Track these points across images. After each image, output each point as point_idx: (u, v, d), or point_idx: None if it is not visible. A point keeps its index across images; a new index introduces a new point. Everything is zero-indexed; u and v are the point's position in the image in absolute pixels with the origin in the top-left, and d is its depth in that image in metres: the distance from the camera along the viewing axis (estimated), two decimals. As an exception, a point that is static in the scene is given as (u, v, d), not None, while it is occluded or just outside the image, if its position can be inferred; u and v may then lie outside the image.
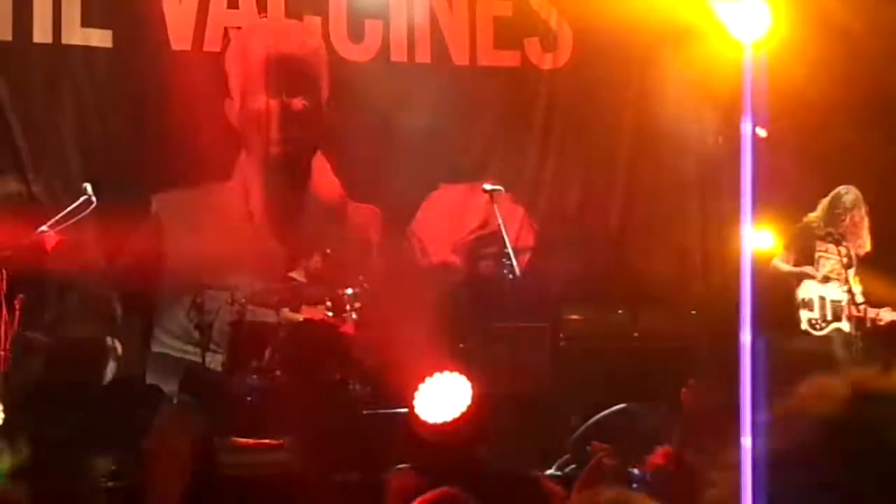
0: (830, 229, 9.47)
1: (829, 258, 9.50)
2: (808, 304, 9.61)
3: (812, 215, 9.68)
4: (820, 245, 9.51)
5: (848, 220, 9.53)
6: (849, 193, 9.61)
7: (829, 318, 9.50)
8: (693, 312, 11.18)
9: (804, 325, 9.53)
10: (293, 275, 10.68)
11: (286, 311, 10.22)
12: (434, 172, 11.75)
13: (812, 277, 9.52)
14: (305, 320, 10.13)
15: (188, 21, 11.38)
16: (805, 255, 9.55)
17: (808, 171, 11.01)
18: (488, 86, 12.15)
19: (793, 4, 10.20)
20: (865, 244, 9.59)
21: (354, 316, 10.17)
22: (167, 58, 11.17)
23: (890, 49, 10.61)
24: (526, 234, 12.07)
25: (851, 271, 9.41)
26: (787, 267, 9.56)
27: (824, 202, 9.65)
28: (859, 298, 9.34)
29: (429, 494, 4.68)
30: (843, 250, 9.39)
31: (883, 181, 10.42)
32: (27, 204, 10.51)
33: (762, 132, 10.16)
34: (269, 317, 10.25)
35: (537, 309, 10.50)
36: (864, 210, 9.59)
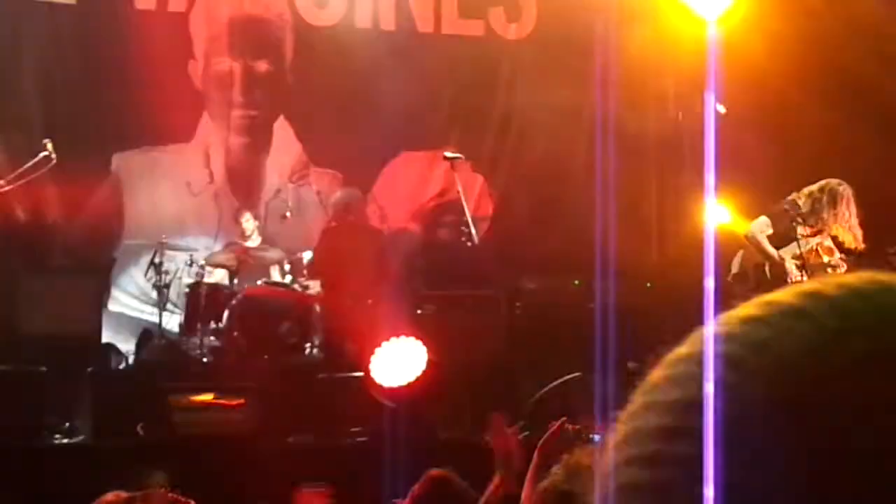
0: (812, 218, 9.34)
1: (808, 243, 9.38)
2: (738, 279, 9.65)
3: (798, 196, 9.48)
4: (801, 230, 9.38)
5: (830, 213, 9.36)
6: (841, 187, 9.42)
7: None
8: (648, 284, 11.28)
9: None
10: (249, 235, 10.68)
11: (244, 274, 10.24)
12: (396, 139, 11.78)
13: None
14: (263, 283, 10.16)
15: (153, -20, 11.35)
16: (786, 232, 9.43)
17: (768, 148, 11.12)
18: (452, 54, 12.17)
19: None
20: (852, 241, 9.39)
21: (312, 280, 10.22)
22: (131, 17, 11.14)
23: (849, 26, 10.70)
24: (485, 203, 12.14)
25: (826, 258, 9.33)
26: (765, 242, 9.40)
27: (813, 189, 9.47)
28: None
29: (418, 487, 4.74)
30: (821, 241, 9.33)
31: (844, 159, 10.50)
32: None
33: (721, 108, 10.26)
34: (227, 279, 10.28)
35: (494, 277, 10.56)
36: (852, 207, 9.37)
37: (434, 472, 4.84)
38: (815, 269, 9.19)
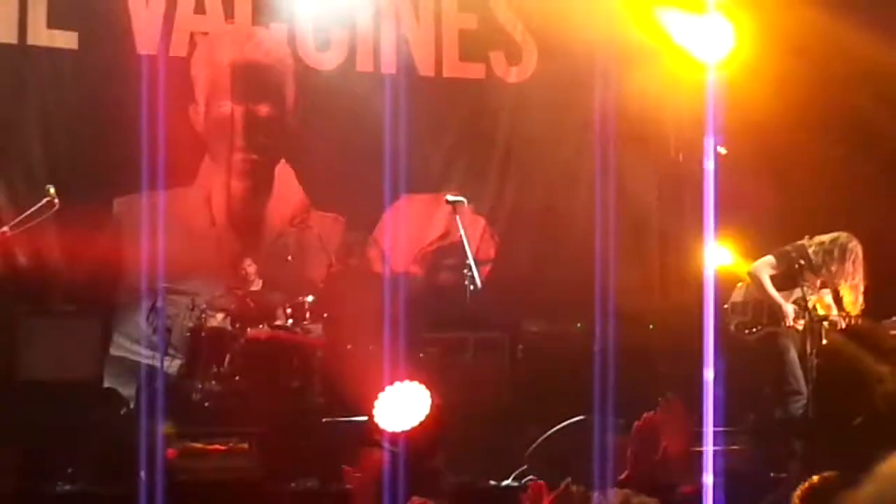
0: (820, 269, 9.29)
1: (811, 292, 9.31)
2: (736, 308, 9.64)
3: (809, 242, 9.43)
4: (809, 276, 9.33)
5: (837, 267, 9.31)
6: (852, 243, 9.36)
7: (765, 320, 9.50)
8: (651, 326, 11.26)
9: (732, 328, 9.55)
10: (251, 279, 10.66)
11: (246, 318, 10.22)
12: (397, 182, 11.77)
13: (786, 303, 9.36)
14: (265, 327, 10.14)
15: (154, 25, 11.37)
16: (790, 275, 9.38)
17: (769, 190, 11.13)
18: (453, 97, 12.20)
19: (754, 26, 10.33)
20: (852, 303, 9.32)
21: (314, 324, 10.20)
22: (133, 61, 11.15)
23: (849, 69, 10.73)
24: (487, 246, 12.13)
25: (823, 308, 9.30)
26: (768, 281, 9.36)
27: (825, 240, 9.42)
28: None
29: None
30: (821, 296, 9.31)
31: (845, 202, 10.51)
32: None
33: (722, 150, 10.28)
34: (229, 323, 10.26)
35: (497, 320, 10.54)
36: (859, 265, 9.31)
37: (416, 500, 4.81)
38: (814, 321, 9.19)
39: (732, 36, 10.20)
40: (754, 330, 9.51)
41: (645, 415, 3.54)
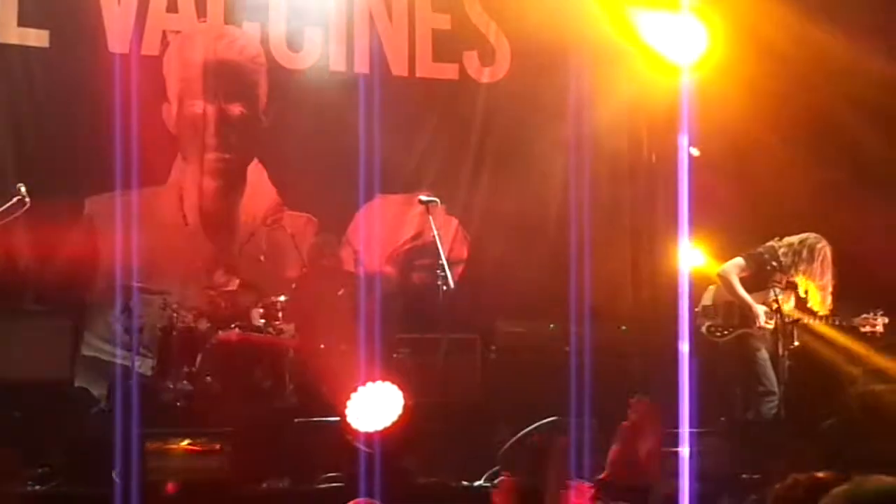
0: (790, 270, 9.33)
1: (781, 294, 9.34)
2: (707, 311, 9.66)
3: (779, 244, 9.46)
4: (780, 277, 9.37)
5: (806, 268, 9.35)
6: (820, 244, 9.40)
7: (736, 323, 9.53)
8: (623, 327, 11.28)
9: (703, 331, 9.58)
10: (223, 279, 10.63)
11: (218, 318, 10.18)
12: (370, 183, 11.76)
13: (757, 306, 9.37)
14: (237, 327, 10.10)
15: (126, 23, 11.32)
16: (762, 277, 9.41)
17: (741, 191, 11.17)
18: (426, 97, 12.20)
19: (727, 27, 10.37)
20: (819, 303, 9.34)
21: (287, 324, 10.17)
22: (104, 60, 11.10)
23: (820, 70, 10.78)
24: (460, 246, 12.14)
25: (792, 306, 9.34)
26: (737, 283, 9.38)
27: (794, 241, 9.46)
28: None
29: None
30: (790, 296, 9.35)
31: (815, 202, 10.55)
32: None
33: (695, 151, 10.31)
34: (201, 322, 10.22)
35: (469, 321, 10.55)
36: (828, 265, 9.32)
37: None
38: (786, 322, 9.24)
39: (705, 37, 10.24)
40: (725, 332, 9.54)
41: (627, 419, 3.56)
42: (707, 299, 9.71)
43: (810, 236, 9.46)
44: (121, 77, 10.94)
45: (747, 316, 9.41)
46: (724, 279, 9.48)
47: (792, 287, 9.38)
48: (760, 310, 9.32)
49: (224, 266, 10.72)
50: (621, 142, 12.16)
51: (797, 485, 3.35)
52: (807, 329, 9.35)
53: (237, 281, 10.68)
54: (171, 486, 5.62)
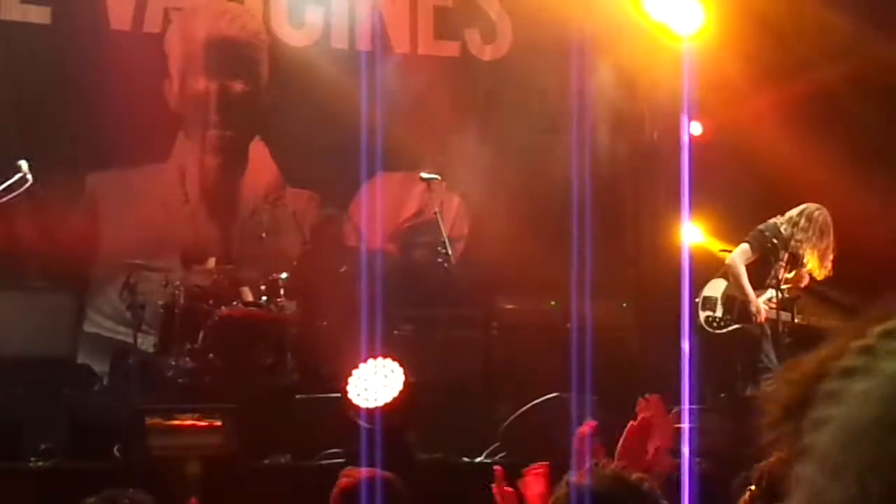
0: (792, 242, 9.30)
1: (782, 271, 9.32)
2: (707, 302, 9.66)
3: (780, 220, 9.42)
4: (781, 253, 9.34)
5: (804, 236, 9.34)
6: (818, 211, 9.38)
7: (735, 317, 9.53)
8: (624, 304, 11.29)
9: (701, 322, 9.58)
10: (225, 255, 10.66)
11: (220, 295, 10.20)
12: (372, 159, 11.75)
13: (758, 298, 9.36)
14: (239, 304, 10.12)
15: (128, 0, 11.32)
16: (764, 255, 9.37)
17: (743, 168, 11.16)
18: (428, 75, 12.19)
19: (727, 4, 10.36)
20: (818, 268, 9.34)
21: (289, 301, 10.19)
22: (106, 37, 11.10)
23: (819, 46, 10.76)
24: (461, 223, 12.15)
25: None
26: (744, 276, 9.33)
27: (793, 213, 9.44)
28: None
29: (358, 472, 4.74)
30: (795, 277, 9.35)
31: (814, 179, 10.54)
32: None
33: (698, 128, 10.31)
34: (203, 300, 10.23)
35: (471, 297, 10.56)
36: (827, 231, 9.32)
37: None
38: (786, 300, 9.27)
39: (704, 13, 10.22)
40: (723, 324, 9.54)
41: (637, 417, 3.56)
42: (708, 290, 9.69)
43: (809, 206, 9.46)
44: (122, 54, 10.95)
45: (747, 311, 9.41)
46: (734, 272, 9.43)
47: (793, 262, 9.37)
48: (762, 307, 9.32)
49: (226, 243, 10.75)
50: (624, 119, 12.14)
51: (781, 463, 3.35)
52: (807, 306, 9.36)
53: (239, 258, 10.70)
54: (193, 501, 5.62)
